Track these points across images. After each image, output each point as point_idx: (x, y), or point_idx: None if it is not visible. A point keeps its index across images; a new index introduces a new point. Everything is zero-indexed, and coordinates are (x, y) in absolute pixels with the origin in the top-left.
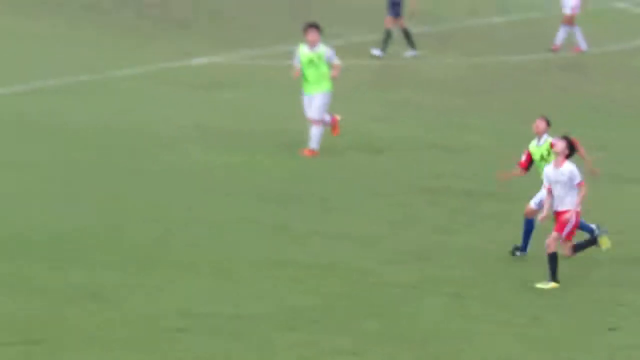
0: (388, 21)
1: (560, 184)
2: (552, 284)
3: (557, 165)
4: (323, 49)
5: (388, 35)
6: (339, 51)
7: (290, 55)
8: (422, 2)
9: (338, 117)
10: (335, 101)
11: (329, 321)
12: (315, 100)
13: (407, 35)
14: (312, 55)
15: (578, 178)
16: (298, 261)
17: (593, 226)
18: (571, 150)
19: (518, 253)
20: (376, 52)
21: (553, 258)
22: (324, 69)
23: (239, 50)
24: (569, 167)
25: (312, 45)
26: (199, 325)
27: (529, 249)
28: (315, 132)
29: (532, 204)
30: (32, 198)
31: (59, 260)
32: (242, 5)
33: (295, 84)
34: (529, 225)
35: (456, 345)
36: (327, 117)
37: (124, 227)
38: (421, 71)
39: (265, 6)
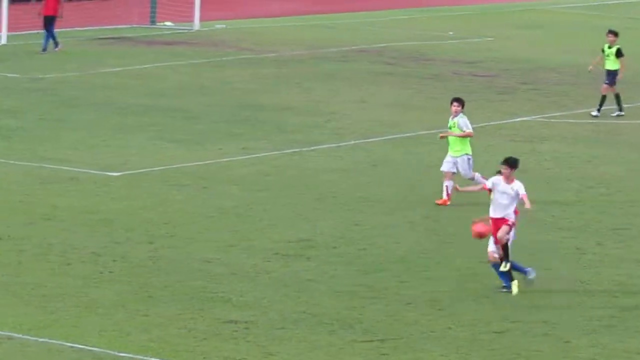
0: (604, 89)
1: (507, 195)
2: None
3: (508, 181)
4: (459, 119)
5: (603, 100)
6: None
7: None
8: None
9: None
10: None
11: (622, 327)
12: (459, 163)
13: (618, 98)
14: (451, 123)
15: (522, 190)
16: (590, 280)
17: (528, 269)
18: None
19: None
20: (615, 113)
21: (506, 247)
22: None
23: (550, 112)
24: (518, 184)
25: (454, 115)
26: (514, 329)
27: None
28: (447, 183)
29: (491, 250)
30: (380, 228)
31: (404, 275)
32: (552, 78)
33: (584, 137)
34: (497, 268)
35: None
36: (479, 177)
37: (452, 250)
38: None
39: (571, 77)
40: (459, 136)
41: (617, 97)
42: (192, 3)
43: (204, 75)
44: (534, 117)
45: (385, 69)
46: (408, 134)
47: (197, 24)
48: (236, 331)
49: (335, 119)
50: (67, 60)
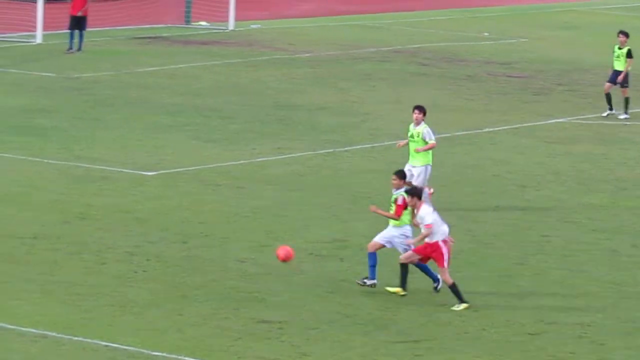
0: (624, 91)
1: (422, 225)
2: (464, 305)
3: (417, 211)
4: (422, 128)
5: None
6: None
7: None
8: None
9: (432, 191)
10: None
11: None
12: (414, 171)
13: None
14: (413, 131)
15: (426, 220)
16: (625, 282)
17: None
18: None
19: (368, 282)
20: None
21: (454, 286)
22: (422, 144)
23: (585, 113)
24: (422, 211)
25: (416, 123)
26: (548, 331)
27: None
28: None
29: (377, 239)
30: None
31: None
32: (588, 79)
33: (619, 138)
34: (372, 259)
35: None
36: (427, 192)
37: (487, 251)
38: None
39: (607, 78)
40: (424, 150)
41: (608, 97)
42: (227, 3)
43: (238, 75)
44: (568, 118)
45: (420, 70)
46: (443, 135)
47: (232, 24)
48: (270, 331)
49: (370, 120)
50: (102, 60)
